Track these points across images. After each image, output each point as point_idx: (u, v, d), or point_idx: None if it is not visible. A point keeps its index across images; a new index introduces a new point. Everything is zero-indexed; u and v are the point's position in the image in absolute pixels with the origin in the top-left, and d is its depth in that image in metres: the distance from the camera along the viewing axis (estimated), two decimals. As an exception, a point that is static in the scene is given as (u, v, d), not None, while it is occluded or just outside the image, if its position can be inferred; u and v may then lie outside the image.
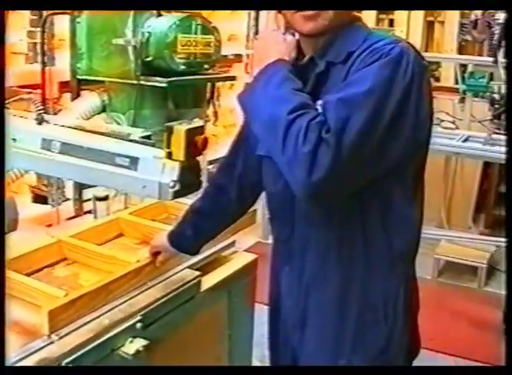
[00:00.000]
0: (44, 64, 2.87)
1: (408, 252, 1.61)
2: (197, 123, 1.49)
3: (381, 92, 1.31)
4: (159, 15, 2.50)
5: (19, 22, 3.43)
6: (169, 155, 1.48)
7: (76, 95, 2.64)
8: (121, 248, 2.13)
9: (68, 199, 3.19)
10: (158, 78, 2.42)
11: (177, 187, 1.47)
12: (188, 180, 1.49)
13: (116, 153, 1.54)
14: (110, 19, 2.58)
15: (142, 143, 1.61)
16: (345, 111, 1.29)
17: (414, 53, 1.39)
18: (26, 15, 3.39)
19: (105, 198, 2.30)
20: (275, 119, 1.33)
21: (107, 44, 2.54)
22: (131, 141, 1.62)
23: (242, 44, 5.26)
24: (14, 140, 1.70)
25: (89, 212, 3.08)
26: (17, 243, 1.93)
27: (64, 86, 3.30)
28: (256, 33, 4.98)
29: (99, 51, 2.59)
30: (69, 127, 1.73)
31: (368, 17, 5.11)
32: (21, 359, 1.58)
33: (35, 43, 3.40)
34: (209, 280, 2.05)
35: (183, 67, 2.46)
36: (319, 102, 1.35)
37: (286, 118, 1.31)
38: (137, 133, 1.66)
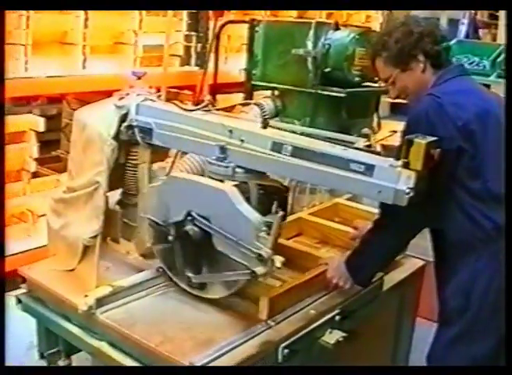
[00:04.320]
0: (216, 67, 3.06)
1: None
2: (431, 137, 1.62)
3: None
4: (337, 28, 2.65)
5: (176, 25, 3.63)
6: (406, 165, 1.61)
7: (250, 99, 2.83)
8: (304, 246, 2.28)
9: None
10: (335, 88, 2.58)
11: (412, 194, 1.60)
12: (421, 188, 1.62)
13: (351, 159, 1.67)
14: (288, 30, 2.75)
15: (368, 151, 1.74)
16: None
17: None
18: (183, 19, 3.60)
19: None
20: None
21: (284, 53, 2.71)
22: (357, 148, 1.76)
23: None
24: (242, 140, 1.85)
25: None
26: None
27: (213, 88, 3.50)
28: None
29: (275, 60, 2.76)
30: (294, 133, 1.88)
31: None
32: (245, 342, 1.74)
33: (189, 46, 3.61)
34: (387, 282, 2.18)
35: (357, 79, 2.61)
36: None
37: None
38: (361, 142, 1.80)
